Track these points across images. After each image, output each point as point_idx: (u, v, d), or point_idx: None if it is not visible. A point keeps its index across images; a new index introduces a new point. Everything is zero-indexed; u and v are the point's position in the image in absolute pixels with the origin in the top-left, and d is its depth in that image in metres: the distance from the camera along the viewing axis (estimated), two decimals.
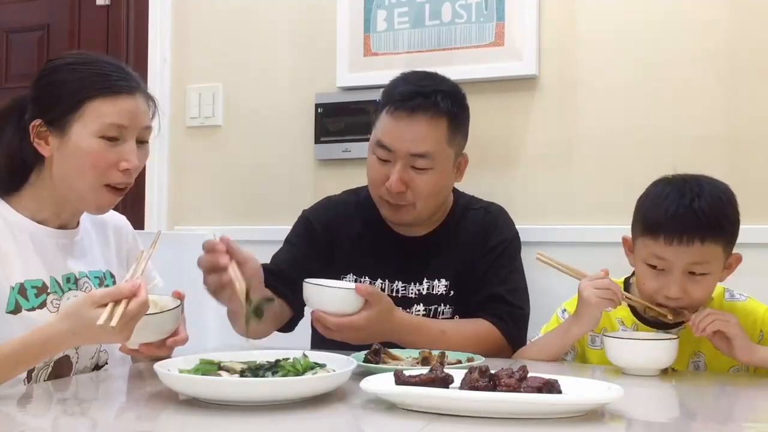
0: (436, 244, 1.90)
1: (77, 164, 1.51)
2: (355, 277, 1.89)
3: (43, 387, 1.43)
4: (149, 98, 1.59)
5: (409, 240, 1.90)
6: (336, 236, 1.92)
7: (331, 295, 1.60)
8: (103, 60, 1.57)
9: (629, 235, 1.71)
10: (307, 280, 1.62)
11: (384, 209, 1.85)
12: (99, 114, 1.50)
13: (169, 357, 1.43)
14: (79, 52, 1.67)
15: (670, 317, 1.60)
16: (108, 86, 1.51)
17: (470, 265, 1.88)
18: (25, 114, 1.56)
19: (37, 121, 1.52)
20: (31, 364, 1.41)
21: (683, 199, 1.57)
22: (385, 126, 1.80)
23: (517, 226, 2.14)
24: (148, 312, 1.37)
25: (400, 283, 1.88)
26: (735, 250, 1.68)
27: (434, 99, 1.79)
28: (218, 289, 1.51)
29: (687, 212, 1.55)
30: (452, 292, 1.88)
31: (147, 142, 1.58)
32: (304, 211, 2.01)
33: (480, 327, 1.79)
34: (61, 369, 1.53)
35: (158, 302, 1.48)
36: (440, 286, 1.88)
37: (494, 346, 1.76)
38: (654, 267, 1.61)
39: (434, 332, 1.74)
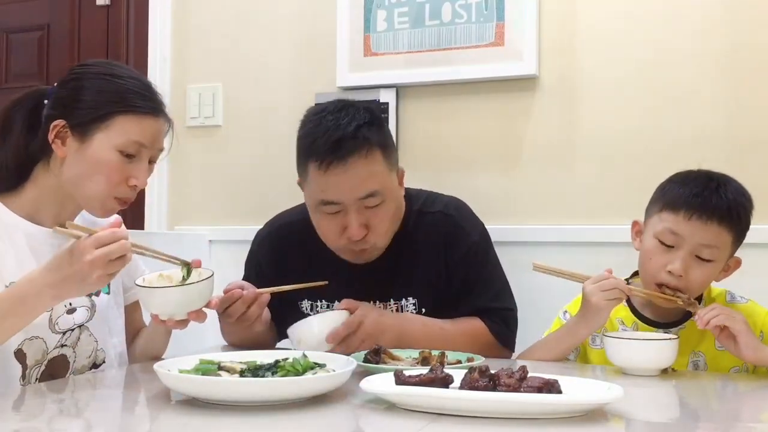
0: (394, 258, 1.79)
1: (91, 171, 1.54)
2: (310, 302, 1.85)
3: (38, 388, 1.43)
4: (168, 120, 1.64)
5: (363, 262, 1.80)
6: (284, 266, 1.83)
7: (320, 324, 1.61)
8: (134, 77, 1.62)
9: (640, 220, 1.76)
10: (291, 328, 1.64)
11: (346, 256, 1.76)
12: (125, 130, 1.54)
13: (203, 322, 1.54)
14: (111, 62, 1.72)
15: (680, 302, 1.62)
16: (138, 105, 1.56)
17: (439, 277, 1.80)
18: (36, 107, 1.58)
19: (61, 122, 1.54)
20: (13, 314, 1.37)
21: (710, 183, 1.66)
22: (321, 183, 1.67)
23: (516, 226, 2.14)
24: (191, 281, 1.47)
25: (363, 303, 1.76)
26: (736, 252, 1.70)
27: (362, 136, 1.66)
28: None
29: (712, 194, 1.64)
30: (423, 310, 1.80)
31: (155, 162, 1.63)
32: (258, 233, 1.96)
33: (474, 325, 1.78)
34: (56, 368, 1.53)
35: (172, 276, 1.53)
36: (409, 305, 1.81)
37: (486, 344, 1.75)
38: (665, 244, 1.65)
39: (434, 326, 1.75)
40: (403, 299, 1.80)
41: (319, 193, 1.70)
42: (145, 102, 1.57)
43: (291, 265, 1.82)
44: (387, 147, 1.73)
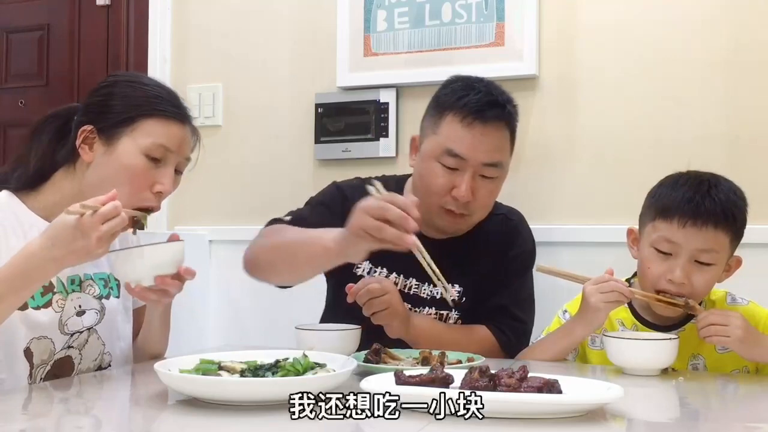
0: (456, 248, 1.87)
1: (117, 175, 1.53)
2: (371, 266, 1.88)
3: (44, 387, 1.43)
4: (195, 131, 1.65)
5: (431, 241, 1.83)
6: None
7: (335, 339, 1.64)
8: (161, 85, 1.65)
9: (635, 227, 1.75)
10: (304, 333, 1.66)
11: (441, 218, 1.81)
12: (151, 132, 1.55)
13: (178, 292, 1.50)
14: (139, 73, 1.78)
15: (680, 306, 1.62)
16: (164, 109, 1.58)
17: (486, 274, 1.87)
18: (69, 121, 1.60)
19: (88, 127, 1.55)
20: (15, 291, 1.37)
21: (701, 187, 1.63)
22: (455, 134, 1.76)
23: None
24: (158, 242, 1.45)
25: (414, 280, 1.86)
26: (736, 252, 1.69)
27: (507, 110, 1.81)
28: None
29: (704, 198, 1.61)
30: (464, 299, 1.87)
31: (182, 172, 1.63)
32: (336, 182, 1.98)
33: (482, 333, 1.83)
34: (62, 369, 1.53)
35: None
36: (453, 292, 1.86)
37: (489, 353, 1.76)
38: (662, 252, 1.64)
39: (440, 325, 1.81)
40: (450, 285, 1.83)
41: (449, 143, 1.76)
42: (170, 107, 1.59)
43: None
44: (514, 133, 1.86)
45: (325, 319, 1.96)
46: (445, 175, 1.77)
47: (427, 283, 1.87)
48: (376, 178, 1.96)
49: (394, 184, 1.94)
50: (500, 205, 1.97)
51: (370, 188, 1.50)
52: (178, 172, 1.62)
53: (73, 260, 1.37)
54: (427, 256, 1.52)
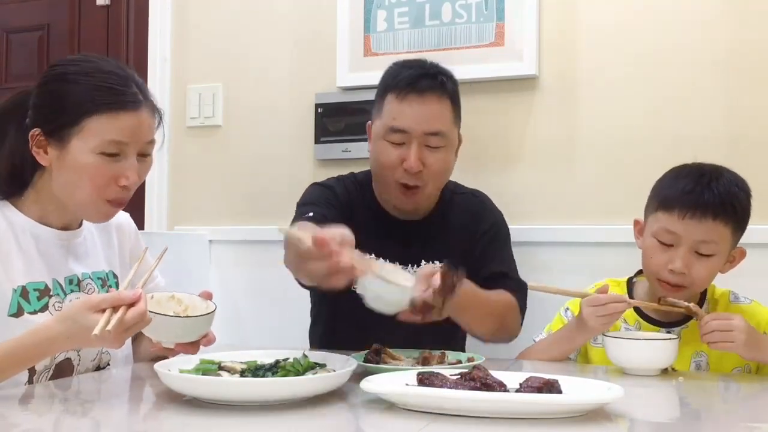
0: (431, 228, 1.93)
1: (75, 178, 1.48)
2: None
3: (44, 387, 1.43)
4: (154, 110, 1.55)
5: (407, 224, 1.92)
6: (346, 212, 1.90)
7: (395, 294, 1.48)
8: (109, 70, 1.51)
9: (641, 218, 1.76)
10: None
11: (397, 194, 1.86)
12: (99, 131, 1.46)
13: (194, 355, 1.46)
14: (85, 57, 1.59)
15: (681, 309, 1.63)
16: (110, 102, 1.47)
17: (462, 250, 1.89)
18: (26, 114, 1.53)
19: (36, 131, 1.49)
20: (26, 365, 1.39)
21: (702, 179, 1.65)
22: (394, 110, 1.83)
23: (516, 226, 2.14)
24: (185, 314, 1.43)
25: (398, 265, 1.83)
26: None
27: (440, 79, 1.85)
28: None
29: (703, 190, 1.63)
30: None
31: (149, 155, 1.55)
32: (316, 182, 1.99)
33: (504, 295, 1.83)
34: (62, 372, 1.52)
35: (183, 300, 1.49)
36: None
37: (514, 314, 1.82)
38: (663, 243, 1.66)
39: (478, 290, 1.73)
40: (431, 263, 1.86)
41: (391, 121, 1.83)
42: (116, 97, 1.47)
43: (350, 211, 1.89)
44: (456, 104, 1.89)
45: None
46: (393, 151, 1.82)
47: (410, 266, 1.82)
48: (363, 172, 2.00)
49: (364, 177, 1.99)
50: (463, 186, 2.04)
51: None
52: (144, 156, 1.53)
53: (86, 345, 1.44)
54: None
